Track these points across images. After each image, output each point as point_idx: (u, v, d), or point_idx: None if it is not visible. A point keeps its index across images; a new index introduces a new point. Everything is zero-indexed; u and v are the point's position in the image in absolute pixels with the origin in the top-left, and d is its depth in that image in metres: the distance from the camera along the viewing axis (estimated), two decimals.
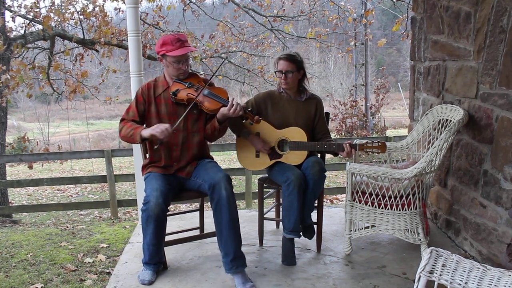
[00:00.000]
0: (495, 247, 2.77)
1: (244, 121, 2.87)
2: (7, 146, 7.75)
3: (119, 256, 3.55)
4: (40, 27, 7.38)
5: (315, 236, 3.15)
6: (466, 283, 1.51)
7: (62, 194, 9.17)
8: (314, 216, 3.10)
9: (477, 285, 1.50)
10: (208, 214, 3.06)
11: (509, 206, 2.63)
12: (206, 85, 2.76)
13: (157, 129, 2.58)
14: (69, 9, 7.55)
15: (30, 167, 8.21)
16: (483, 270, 1.53)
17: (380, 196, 2.94)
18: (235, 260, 2.65)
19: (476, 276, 1.52)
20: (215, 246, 2.85)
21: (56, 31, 7.55)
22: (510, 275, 1.48)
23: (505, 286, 1.46)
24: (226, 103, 2.71)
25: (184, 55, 2.71)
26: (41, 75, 7.64)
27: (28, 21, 7.61)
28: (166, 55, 2.70)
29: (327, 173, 3.00)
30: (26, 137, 8.16)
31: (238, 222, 2.69)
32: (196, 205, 5.64)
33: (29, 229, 4.92)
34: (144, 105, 2.80)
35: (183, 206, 6.60)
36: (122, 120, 2.80)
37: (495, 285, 1.48)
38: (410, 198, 2.88)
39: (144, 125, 2.80)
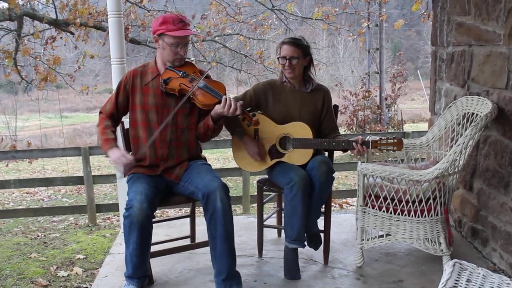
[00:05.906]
0: None
1: (240, 116, 2.87)
2: None
3: (98, 269, 3.56)
4: (6, 5, 7.36)
5: (321, 246, 3.17)
6: None
7: (31, 198, 9.16)
8: (320, 223, 3.11)
9: None
10: (200, 221, 3.07)
11: None
12: (203, 77, 2.77)
13: (118, 161, 2.61)
14: None
15: None
16: None
17: (396, 200, 2.95)
18: (228, 280, 2.67)
19: None
20: (208, 257, 2.86)
21: (24, 10, 7.53)
22: None
23: None
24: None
25: (185, 37, 2.75)
26: (6, 60, 7.62)
27: None
28: (165, 35, 2.72)
29: (335, 174, 3.01)
30: None
31: (233, 237, 2.71)
32: (187, 210, 5.64)
33: None
34: (127, 96, 2.82)
35: (171, 212, 6.61)
36: (100, 112, 2.87)
37: None
38: (431, 203, 2.90)
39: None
